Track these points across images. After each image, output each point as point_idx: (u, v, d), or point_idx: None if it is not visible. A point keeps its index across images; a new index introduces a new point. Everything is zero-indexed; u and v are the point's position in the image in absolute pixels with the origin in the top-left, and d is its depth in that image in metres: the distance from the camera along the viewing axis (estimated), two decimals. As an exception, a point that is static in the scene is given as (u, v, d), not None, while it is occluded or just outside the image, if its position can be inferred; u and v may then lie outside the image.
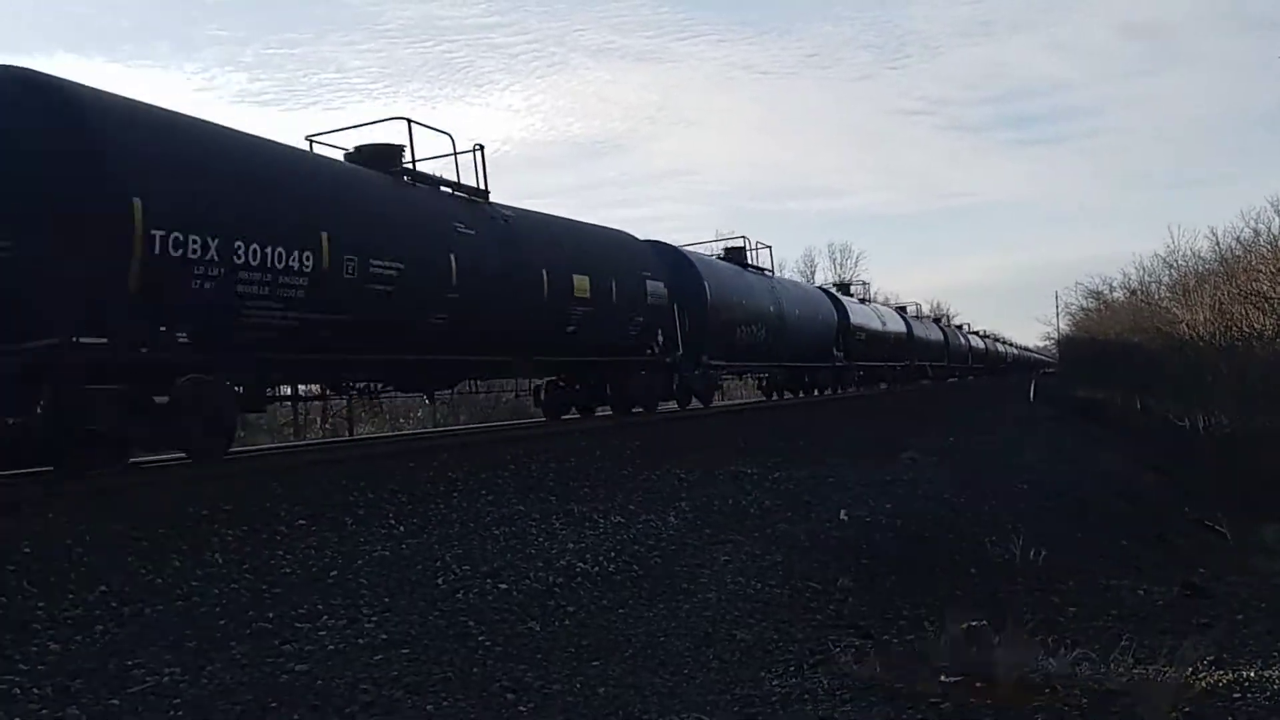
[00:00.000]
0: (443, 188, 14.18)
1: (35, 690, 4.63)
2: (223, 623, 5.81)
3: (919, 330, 45.78)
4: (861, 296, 41.12)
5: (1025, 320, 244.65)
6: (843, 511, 10.48)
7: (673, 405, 21.04)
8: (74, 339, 8.54)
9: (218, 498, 8.18)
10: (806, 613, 7.22)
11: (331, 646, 5.55)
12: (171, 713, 4.51)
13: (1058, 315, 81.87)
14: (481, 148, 14.71)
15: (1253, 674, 5.80)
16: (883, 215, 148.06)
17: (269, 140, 11.62)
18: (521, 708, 4.95)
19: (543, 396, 18.15)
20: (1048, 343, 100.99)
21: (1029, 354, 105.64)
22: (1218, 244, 41.22)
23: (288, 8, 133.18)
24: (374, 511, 8.68)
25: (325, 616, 6.04)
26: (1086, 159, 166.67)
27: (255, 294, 10.09)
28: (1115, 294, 61.08)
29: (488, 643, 5.87)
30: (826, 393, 31.48)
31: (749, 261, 26.03)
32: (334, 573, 6.93)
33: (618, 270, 17.40)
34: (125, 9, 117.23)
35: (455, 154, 14.28)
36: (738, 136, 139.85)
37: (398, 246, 12.09)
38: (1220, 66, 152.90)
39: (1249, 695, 5.43)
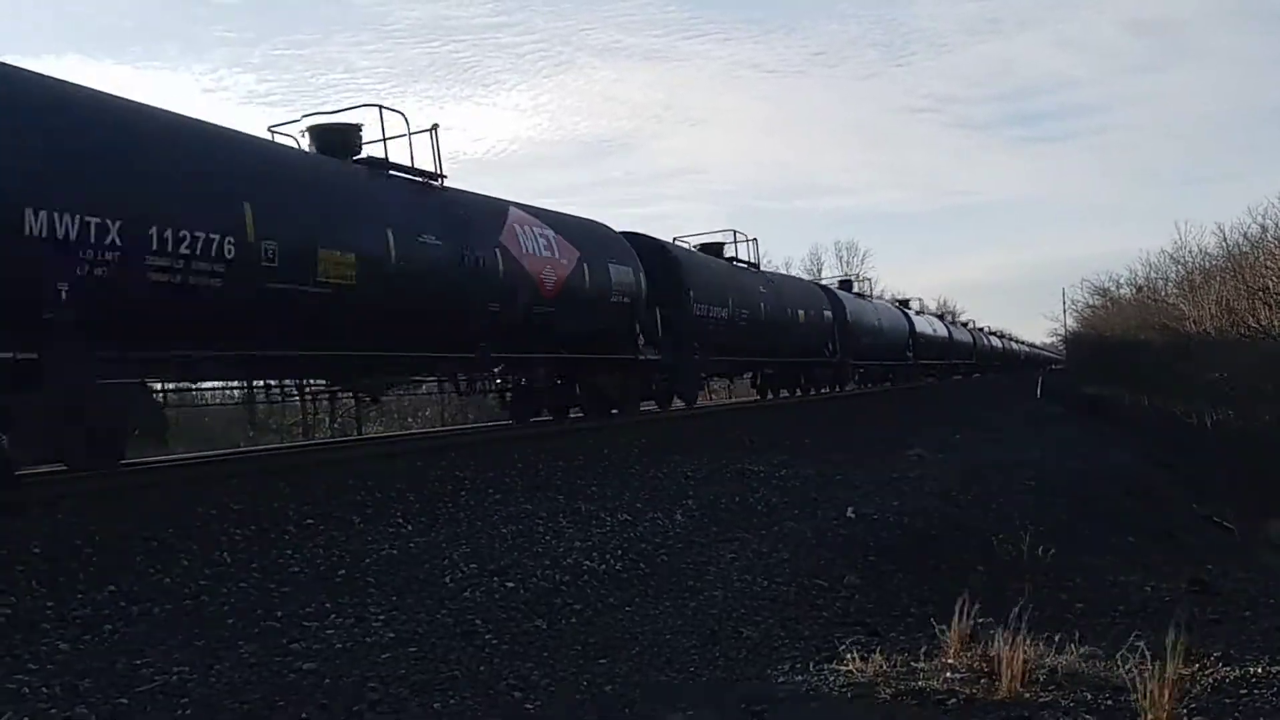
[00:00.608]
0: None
1: (44, 689, 4.65)
2: (231, 622, 5.83)
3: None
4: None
5: (1032, 317, 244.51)
6: (849, 509, 10.47)
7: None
8: None
9: (226, 498, 8.20)
10: (813, 610, 7.23)
11: (339, 645, 5.57)
12: (180, 712, 4.53)
13: (1064, 312, 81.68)
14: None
15: (1260, 670, 5.78)
16: (890, 213, 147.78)
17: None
18: (529, 706, 4.97)
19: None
20: (1055, 339, 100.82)
21: (1036, 351, 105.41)
22: (1225, 240, 41.09)
23: (295, 8, 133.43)
24: (381, 510, 8.70)
25: (333, 615, 6.06)
26: (1094, 156, 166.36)
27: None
28: (1122, 291, 60.95)
29: (495, 641, 5.89)
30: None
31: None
32: (342, 571, 6.95)
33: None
34: (131, 11, 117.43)
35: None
36: (744, 135, 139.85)
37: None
38: (1229, 62, 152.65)
39: (1256, 691, 5.42)
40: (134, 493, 8.23)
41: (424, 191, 13.43)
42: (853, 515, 10.21)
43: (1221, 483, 22.68)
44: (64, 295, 8.19)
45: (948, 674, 5.52)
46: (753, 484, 11.73)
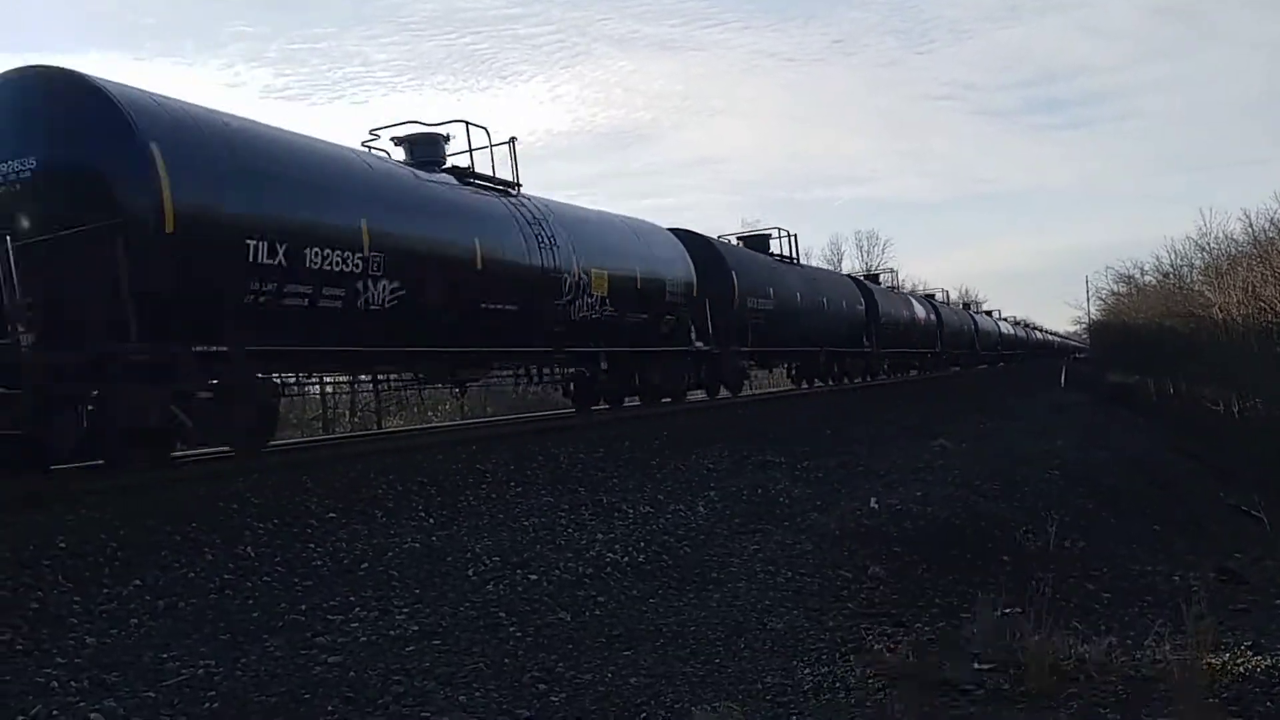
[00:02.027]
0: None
1: (72, 683, 4.68)
2: (256, 615, 5.85)
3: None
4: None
5: (1055, 306, 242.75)
6: (873, 500, 10.43)
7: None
8: None
9: (249, 492, 8.24)
10: (838, 601, 7.19)
11: (364, 638, 5.58)
12: (207, 705, 4.55)
13: (1088, 300, 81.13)
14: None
15: (1292, 660, 5.72)
16: (911, 202, 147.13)
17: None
18: (554, 698, 4.96)
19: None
20: (1078, 328, 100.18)
21: (1059, 340, 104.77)
22: (1250, 226, 40.69)
23: (310, 2, 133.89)
24: (404, 504, 8.72)
25: (357, 608, 6.08)
26: (1117, 143, 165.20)
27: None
28: (1146, 278, 60.50)
29: (519, 633, 5.89)
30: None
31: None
32: (365, 565, 6.97)
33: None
34: (150, 8, 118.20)
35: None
36: (764, 125, 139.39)
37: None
38: (1253, 46, 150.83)
39: (1288, 681, 5.36)
40: (158, 487, 8.28)
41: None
42: (876, 506, 10.16)
43: (1249, 471, 22.47)
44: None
45: (975, 665, 5.49)
46: (775, 475, 11.69)
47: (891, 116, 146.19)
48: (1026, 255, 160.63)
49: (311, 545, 7.29)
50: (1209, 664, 5.37)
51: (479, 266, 12.86)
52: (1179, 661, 5.14)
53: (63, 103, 8.91)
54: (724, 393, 21.58)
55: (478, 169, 14.51)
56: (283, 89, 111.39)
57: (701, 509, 9.54)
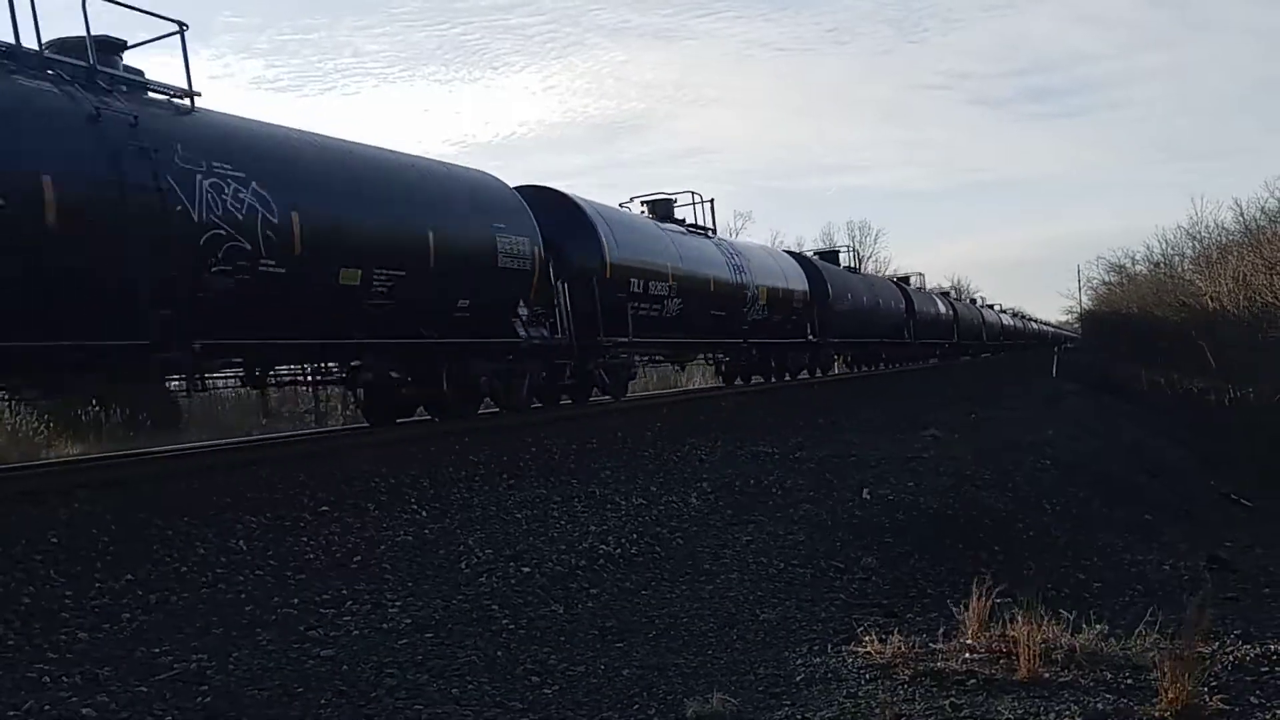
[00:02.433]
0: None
1: (65, 678, 4.67)
2: (249, 609, 5.84)
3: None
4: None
5: (1047, 295, 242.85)
6: (865, 490, 10.45)
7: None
8: None
9: (240, 485, 8.22)
10: (830, 592, 7.22)
11: (356, 632, 5.59)
12: (200, 699, 4.55)
13: (1079, 289, 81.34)
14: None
15: (1280, 647, 5.75)
16: (904, 191, 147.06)
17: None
18: (546, 690, 4.97)
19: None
20: (1070, 317, 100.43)
21: (1050, 329, 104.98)
22: (1242, 215, 40.90)
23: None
24: (396, 497, 8.71)
25: (350, 602, 6.08)
26: (1110, 132, 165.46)
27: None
28: (1137, 267, 60.71)
29: (511, 626, 5.90)
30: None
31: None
32: (357, 558, 6.97)
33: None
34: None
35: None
36: (757, 114, 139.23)
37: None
38: (1247, 34, 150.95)
39: (1277, 669, 5.39)
40: (149, 482, 8.26)
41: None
42: (868, 497, 10.19)
43: (1239, 460, 22.57)
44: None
45: (966, 655, 5.51)
46: (767, 466, 11.71)
47: (885, 106, 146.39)
48: (1018, 245, 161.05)
49: (304, 539, 7.28)
50: (1200, 652, 5.39)
51: (711, 288, 19.50)
52: (1170, 650, 5.16)
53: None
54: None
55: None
56: (273, 80, 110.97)
57: (694, 500, 9.56)
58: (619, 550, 7.68)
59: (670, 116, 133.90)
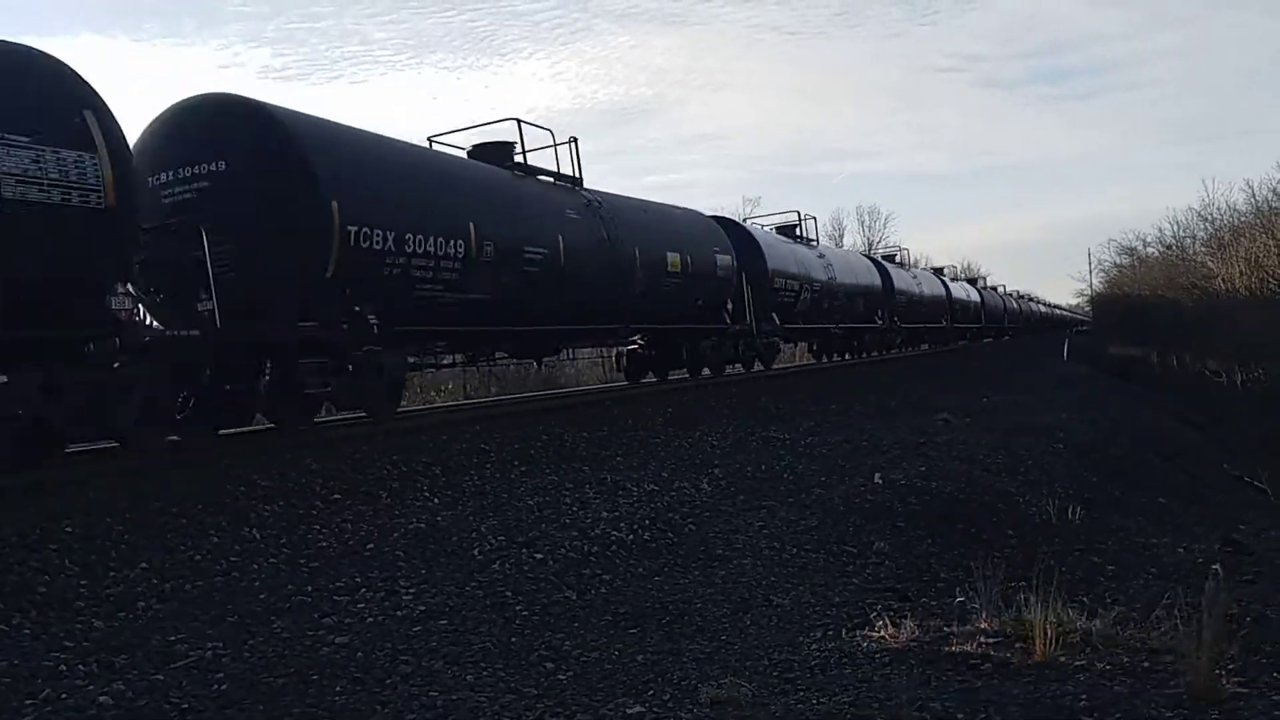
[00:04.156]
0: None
1: (81, 666, 4.69)
2: (263, 597, 5.86)
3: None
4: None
5: (1058, 278, 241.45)
6: (877, 475, 10.42)
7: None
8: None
9: (253, 474, 8.24)
10: (843, 577, 7.20)
11: (370, 619, 5.59)
12: (215, 687, 4.56)
13: (1090, 272, 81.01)
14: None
15: (1298, 630, 5.73)
16: (915, 175, 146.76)
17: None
18: (561, 676, 4.97)
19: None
20: (1080, 300, 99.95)
21: (1062, 312, 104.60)
22: (1254, 197, 40.54)
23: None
24: (408, 484, 8.73)
25: (363, 589, 6.09)
26: (1123, 113, 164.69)
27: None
28: (1149, 250, 60.32)
29: (525, 612, 5.90)
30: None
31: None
32: (370, 545, 6.98)
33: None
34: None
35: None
36: (766, 99, 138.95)
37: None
38: (1262, 13, 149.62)
39: (1295, 652, 5.36)
40: (162, 471, 8.28)
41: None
42: (880, 481, 10.16)
43: (1253, 442, 22.48)
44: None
45: (981, 639, 5.49)
46: (779, 451, 11.69)
47: (895, 89, 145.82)
48: (1029, 228, 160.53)
49: (317, 527, 7.30)
50: (1216, 635, 5.36)
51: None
52: (1187, 633, 5.13)
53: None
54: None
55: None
56: (281, 69, 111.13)
57: (706, 486, 9.54)
58: (631, 536, 7.68)
59: (680, 102, 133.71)
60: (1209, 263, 42.92)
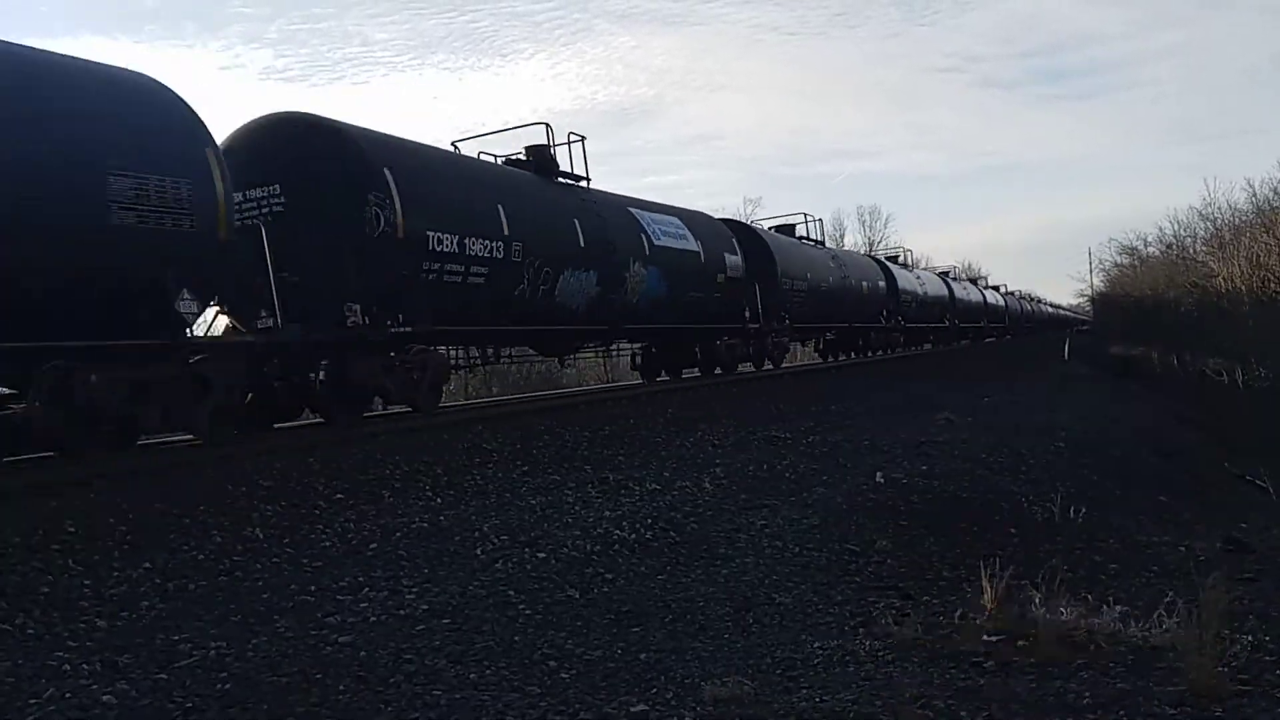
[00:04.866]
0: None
1: (84, 666, 4.69)
2: (266, 596, 5.86)
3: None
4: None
5: (1058, 278, 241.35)
6: (879, 474, 10.42)
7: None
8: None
9: (255, 474, 8.25)
10: (845, 575, 7.21)
11: (373, 618, 5.60)
12: (219, 686, 4.56)
13: (1091, 272, 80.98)
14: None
15: (1300, 628, 5.73)
16: (914, 176, 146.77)
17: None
18: (564, 675, 4.97)
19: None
20: (1081, 300, 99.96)
21: (1063, 312, 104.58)
22: (1255, 196, 40.58)
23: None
24: (410, 484, 8.73)
25: (366, 589, 6.09)
26: (1122, 113, 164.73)
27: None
28: (1150, 250, 60.34)
29: (528, 611, 5.90)
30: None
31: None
32: (373, 545, 6.98)
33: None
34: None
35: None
36: (766, 100, 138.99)
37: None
38: (1261, 12, 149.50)
39: (1297, 649, 5.36)
40: (164, 471, 8.29)
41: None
42: (882, 480, 10.16)
43: (1254, 441, 22.47)
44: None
45: (983, 636, 5.49)
46: (781, 451, 11.69)
47: (894, 90, 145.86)
48: (1029, 228, 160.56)
49: (319, 526, 7.31)
50: (1219, 634, 5.37)
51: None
52: (1190, 631, 5.13)
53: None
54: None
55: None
56: (283, 70, 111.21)
57: (708, 485, 9.55)
58: (634, 535, 7.68)
59: (680, 102, 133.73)
60: (1210, 262, 42.92)
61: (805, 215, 28.62)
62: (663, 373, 20.20)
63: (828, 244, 32.36)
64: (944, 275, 47.76)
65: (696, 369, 20.76)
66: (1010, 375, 28.35)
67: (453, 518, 7.81)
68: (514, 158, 15.66)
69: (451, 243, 12.12)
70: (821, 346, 31.02)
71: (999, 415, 17.51)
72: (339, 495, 8.08)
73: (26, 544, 6.14)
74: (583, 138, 16.51)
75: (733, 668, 5.12)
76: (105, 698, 4.34)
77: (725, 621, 5.99)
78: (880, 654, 5.35)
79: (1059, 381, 28.93)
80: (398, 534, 7.27)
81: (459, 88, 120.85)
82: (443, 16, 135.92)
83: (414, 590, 6.11)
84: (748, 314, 21.07)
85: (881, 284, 32.56)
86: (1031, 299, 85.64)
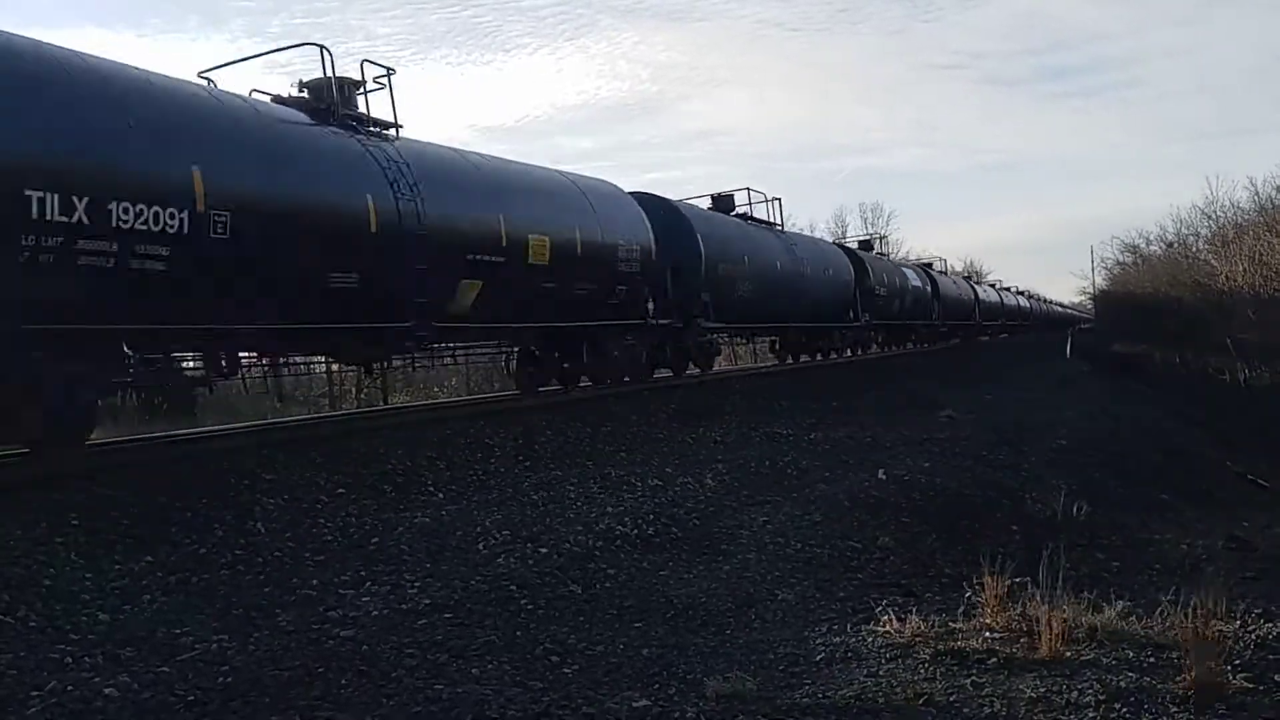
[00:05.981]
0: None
1: (87, 659, 4.69)
2: (268, 590, 5.86)
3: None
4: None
5: (1061, 276, 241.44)
6: (881, 471, 10.42)
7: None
8: None
9: (258, 468, 8.24)
10: (848, 572, 7.20)
11: (376, 612, 5.59)
12: (221, 679, 4.56)
13: (1093, 270, 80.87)
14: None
15: (1303, 626, 5.71)
16: (917, 173, 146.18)
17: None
18: (566, 669, 4.97)
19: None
20: (1083, 298, 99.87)
21: (1065, 310, 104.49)
22: (1257, 194, 40.52)
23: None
24: (412, 479, 8.72)
25: (369, 583, 6.09)
26: (1125, 111, 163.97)
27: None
28: (1152, 248, 60.24)
29: (530, 606, 5.90)
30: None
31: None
32: (375, 540, 6.98)
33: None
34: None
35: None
36: (768, 96, 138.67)
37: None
38: (1266, 10, 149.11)
39: (1301, 647, 5.35)
40: (167, 465, 8.28)
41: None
42: (884, 477, 10.16)
43: (1256, 439, 22.47)
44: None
45: (986, 634, 5.49)
46: (782, 447, 11.69)
47: (897, 86, 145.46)
48: (1031, 226, 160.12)
49: (321, 520, 7.30)
50: (1222, 631, 5.36)
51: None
52: (1191, 629, 5.13)
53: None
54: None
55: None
56: (286, 64, 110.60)
57: (710, 481, 9.54)
58: (636, 531, 7.68)
59: (683, 98, 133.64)
60: (1212, 260, 42.83)
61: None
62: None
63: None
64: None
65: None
66: (1012, 373, 28.34)
67: (455, 513, 7.80)
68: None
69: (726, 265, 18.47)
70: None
71: (1001, 413, 17.51)
72: (341, 490, 8.07)
73: (29, 536, 6.13)
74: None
75: (735, 663, 5.12)
76: (107, 690, 4.34)
77: (728, 617, 5.99)
78: (883, 651, 5.35)
79: (1061, 380, 28.92)
80: (400, 529, 7.26)
81: (461, 82, 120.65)
82: (446, 12, 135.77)
83: (416, 585, 6.11)
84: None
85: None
86: (1033, 296, 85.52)
